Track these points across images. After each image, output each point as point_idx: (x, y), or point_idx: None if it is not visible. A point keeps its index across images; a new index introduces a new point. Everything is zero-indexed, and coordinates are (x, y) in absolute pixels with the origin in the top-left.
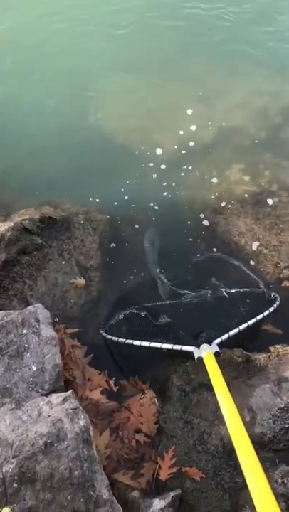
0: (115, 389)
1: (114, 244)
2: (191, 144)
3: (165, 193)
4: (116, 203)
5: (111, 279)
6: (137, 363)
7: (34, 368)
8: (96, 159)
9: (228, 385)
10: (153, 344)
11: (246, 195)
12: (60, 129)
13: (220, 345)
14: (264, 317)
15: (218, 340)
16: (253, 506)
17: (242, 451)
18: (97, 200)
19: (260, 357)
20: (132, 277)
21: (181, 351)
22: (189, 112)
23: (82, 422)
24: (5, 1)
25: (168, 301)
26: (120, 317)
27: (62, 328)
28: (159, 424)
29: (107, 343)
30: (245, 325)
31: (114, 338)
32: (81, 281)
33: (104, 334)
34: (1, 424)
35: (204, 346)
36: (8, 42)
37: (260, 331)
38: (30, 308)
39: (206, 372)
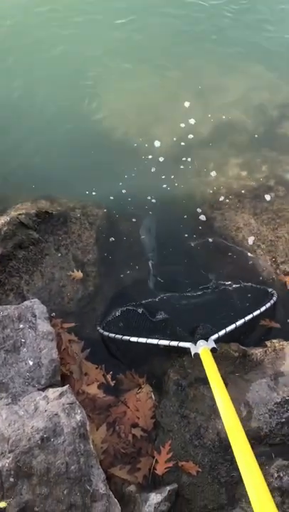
0: (112, 383)
1: (111, 239)
2: (190, 136)
3: (163, 186)
4: (113, 197)
5: (108, 274)
6: (134, 358)
7: (31, 363)
8: (93, 152)
9: (225, 380)
10: (150, 340)
11: (244, 190)
12: (55, 122)
13: (216, 340)
14: (261, 312)
15: (215, 336)
16: (249, 500)
17: (238, 447)
18: (94, 194)
19: (257, 351)
20: (128, 272)
21: (178, 347)
22: (188, 104)
23: (78, 417)
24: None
25: (163, 295)
26: (117, 313)
27: (59, 323)
28: (156, 419)
29: (104, 338)
30: (242, 321)
31: (112, 335)
32: (78, 274)
33: (101, 331)
34: None
35: (201, 342)
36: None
37: (256, 326)
38: (26, 303)
39: (203, 367)
